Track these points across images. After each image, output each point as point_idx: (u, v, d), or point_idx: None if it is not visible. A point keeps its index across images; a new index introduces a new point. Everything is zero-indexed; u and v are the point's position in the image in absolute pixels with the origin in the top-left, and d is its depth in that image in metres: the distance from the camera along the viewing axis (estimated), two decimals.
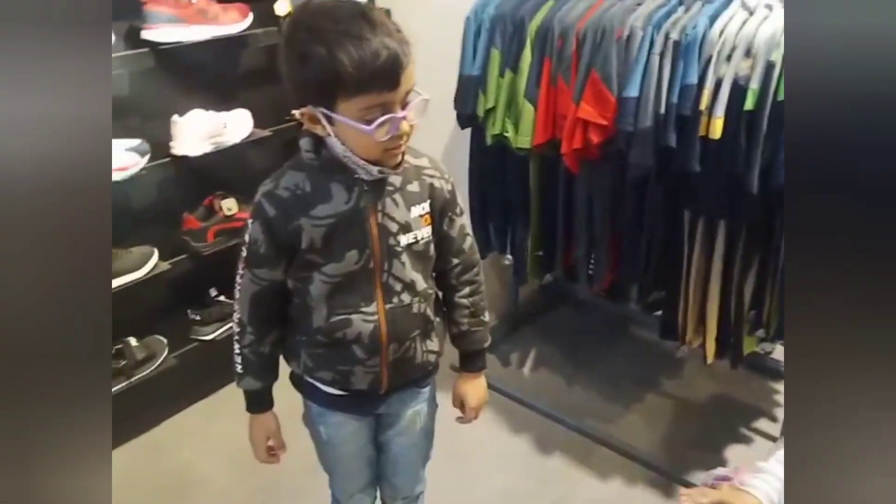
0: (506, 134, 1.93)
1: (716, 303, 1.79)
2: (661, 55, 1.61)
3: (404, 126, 1.02)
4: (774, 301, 1.76)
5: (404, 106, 1.01)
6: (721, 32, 1.55)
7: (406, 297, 1.16)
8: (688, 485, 1.91)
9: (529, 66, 1.86)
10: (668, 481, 1.95)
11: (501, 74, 1.91)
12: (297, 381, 1.29)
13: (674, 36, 1.60)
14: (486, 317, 1.31)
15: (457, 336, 1.30)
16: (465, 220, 1.25)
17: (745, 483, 1.18)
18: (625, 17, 1.69)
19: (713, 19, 1.58)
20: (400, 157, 1.08)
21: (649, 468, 1.99)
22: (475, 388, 1.35)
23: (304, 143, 1.10)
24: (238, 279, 1.17)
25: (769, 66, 1.48)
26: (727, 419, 2.17)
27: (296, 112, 1.04)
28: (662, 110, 1.62)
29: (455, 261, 1.24)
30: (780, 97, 1.48)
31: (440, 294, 1.27)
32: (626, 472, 1.97)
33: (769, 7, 1.53)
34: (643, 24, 1.65)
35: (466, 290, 1.27)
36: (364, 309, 1.13)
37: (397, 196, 1.12)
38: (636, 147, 1.68)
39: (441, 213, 1.19)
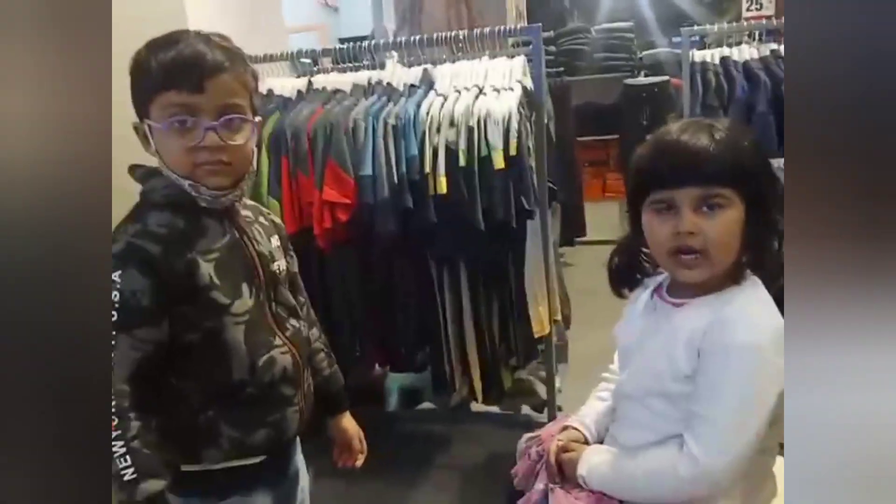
0: None
1: (473, 342, 2.03)
2: (385, 138, 1.94)
3: (212, 138, 0.95)
4: (518, 330, 2.06)
5: (218, 118, 0.96)
6: (428, 112, 1.93)
7: (295, 322, 1.12)
8: None
9: (268, 168, 2.03)
10: None
11: None
12: (195, 482, 1.04)
13: (391, 122, 1.94)
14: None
15: (321, 384, 1.23)
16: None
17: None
18: (346, 114, 1.99)
19: (418, 105, 1.96)
20: (219, 179, 0.99)
21: None
22: (350, 421, 1.31)
23: (142, 173, 1.03)
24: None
25: (470, 130, 1.88)
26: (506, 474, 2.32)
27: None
28: (396, 181, 1.91)
29: (301, 299, 1.21)
30: (483, 153, 1.88)
31: None
32: None
33: (458, 91, 1.97)
34: (364, 115, 1.97)
35: (315, 331, 1.25)
36: (275, 342, 1.06)
37: (257, 227, 1.10)
38: (379, 216, 1.92)
39: (285, 249, 1.17)
